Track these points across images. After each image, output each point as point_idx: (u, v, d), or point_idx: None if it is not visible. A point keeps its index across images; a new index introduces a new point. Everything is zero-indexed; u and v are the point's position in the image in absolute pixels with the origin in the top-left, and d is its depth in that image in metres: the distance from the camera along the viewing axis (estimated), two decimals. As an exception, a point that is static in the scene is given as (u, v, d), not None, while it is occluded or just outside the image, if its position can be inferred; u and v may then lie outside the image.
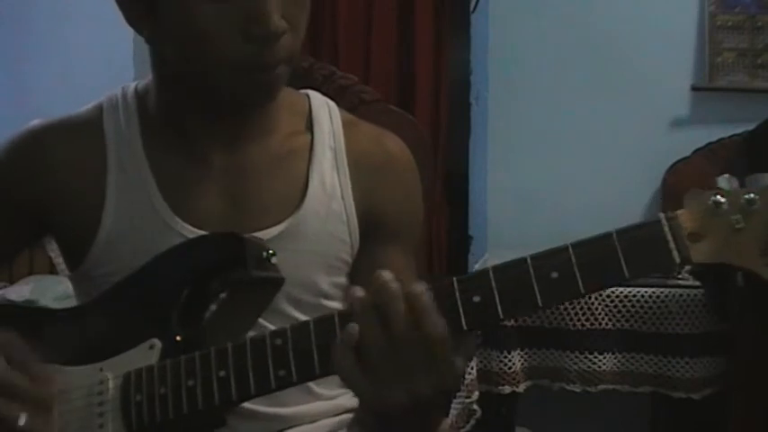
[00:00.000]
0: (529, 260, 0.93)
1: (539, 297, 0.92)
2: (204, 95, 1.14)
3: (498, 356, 2.27)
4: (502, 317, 0.93)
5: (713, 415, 2.36)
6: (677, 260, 0.90)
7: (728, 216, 0.89)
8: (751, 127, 2.51)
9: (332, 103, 1.27)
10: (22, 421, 1.00)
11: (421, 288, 0.90)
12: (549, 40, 3.20)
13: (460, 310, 0.92)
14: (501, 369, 2.25)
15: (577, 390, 2.32)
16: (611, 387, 2.28)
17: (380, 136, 1.26)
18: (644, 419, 2.91)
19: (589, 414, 2.89)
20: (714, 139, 3.06)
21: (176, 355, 1.03)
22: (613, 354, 2.28)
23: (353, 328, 0.91)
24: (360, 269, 1.23)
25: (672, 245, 0.89)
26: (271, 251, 1.08)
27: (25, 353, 1.03)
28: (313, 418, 1.20)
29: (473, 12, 3.21)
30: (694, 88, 3.13)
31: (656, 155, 3.11)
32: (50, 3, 3.49)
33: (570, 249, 0.91)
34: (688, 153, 3.09)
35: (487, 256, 2.97)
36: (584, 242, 0.92)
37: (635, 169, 3.15)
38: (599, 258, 0.91)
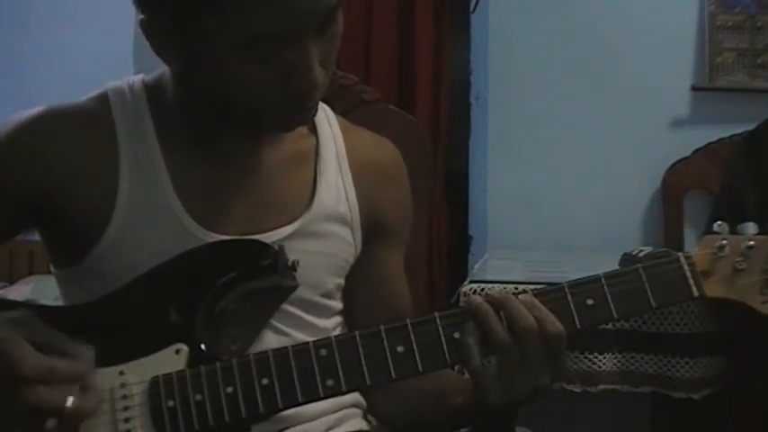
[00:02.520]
0: (566, 288, 1.06)
1: (576, 321, 1.06)
2: (230, 118, 1.15)
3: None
4: None
5: (713, 415, 2.36)
6: (695, 293, 1.07)
7: (732, 258, 1.07)
8: (751, 127, 2.51)
9: (327, 108, 1.29)
10: (69, 402, 0.95)
11: (532, 296, 1.05)
12: (549, 41, 3.20)
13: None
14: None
15: (577, 390, 2.31)
16: (611, 387, 2.27)
17: (378, 141, 1.30)
18: (644, 419, 2.91)
19: (589, 414, 2.89)
20: (714, 139, 3.06)
21: (202, 360, 1.03)
22: (613, 354, 2.27)
23: (471, 325, 1.04)
24: (361, 271, 1.27)
25: (691, 281, 1.07)
26: (296, 260, 1.10)
27: (49, 335, 1.00)
28: (314, 416, 1.20)
29: (473, 12, 3.22)
30: (694, 88, 3.13)
31: (656, 155, 3.11)
32: (50, 3, 3.49)
33: (602, 280, 1.06)
34: (688, 153, 3.09)
35: (487, 256, 2.97)
36: (615, 274, 1.06)
37: (635, 169, 3.15)
38: (628, 289, 1.06)
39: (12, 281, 3.20)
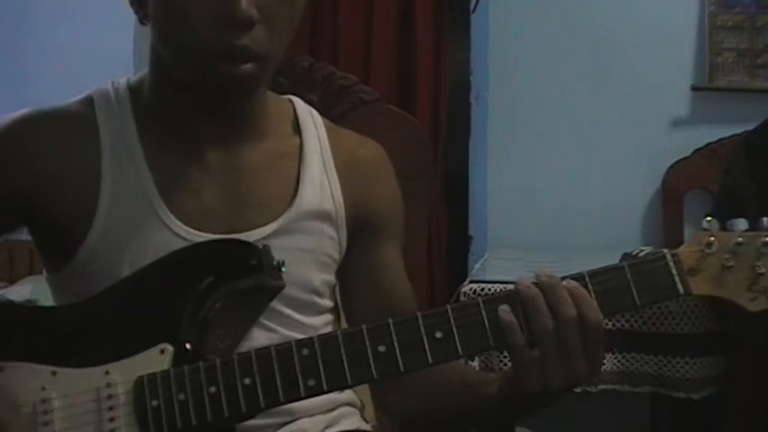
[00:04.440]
0: None
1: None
2: (185, 85, 1.15)
3: (499, 356, 2.26)
4: None
5: (713, 415, 2.36)
6: (681, 291, 1.05)
7: (720, 255, 1.05)
8: (751, 127, 2.50)
9: (314, 111, 1.30)
10: None
11: (575, 282, 1.04)
12: (549, 41, 3.20)
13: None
14: (501, 369, 2.24)
15: (577, 390, 2.32)
16: (611, 387, 2.27)
17: (363, 141, 1.32)
18: (644, 419, 2.91)
19: (589, 414, 2.89)
20: (714, 139, 3.06)
21: (187, 359, 1.03)
22: (613, 354, 2.27)
23: (506, 309, 1.03)
24: (355, 267, 1.28)
25: (676, 278, 1.04)
26: (281, 260, 1.10)
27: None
28: (310, 413, 1.21)
29: (473, 12, 3.22)
30: (694, 88, 3.13)
31: (656, 155, 3.11)
32: (50, 3, 3.49)
33: (587, 278, 1.04)
34: (688, 153, 3.09)
35: (487, 256, 2.97)
36: (599, 272, 1.05)
37: (635, 169, 3.15)
38: (612, 288, 1.04)
39: (12, 281, 3.19)
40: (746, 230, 1.06)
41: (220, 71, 1.10)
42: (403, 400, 1.26)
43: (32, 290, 2.90)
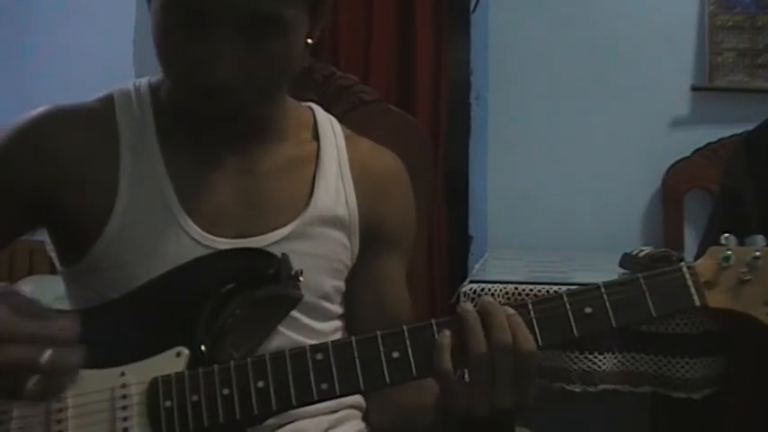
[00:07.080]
0: (565, 297, 1.05)
1: (574, 329, 1.05)
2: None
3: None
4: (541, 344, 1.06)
5: (713, 415, 2.36)
6: (697, 303, 1.05)
7: (737, 269, 1.05)
8: (751, 127, 2.51)
9: (333, 118, 1.31)
10: (45, 357, 0.86)
11: (512, 309, 1.03)
12: (549, 41, 3.20)
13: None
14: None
15: (577, 390, 2.31)
16: (611, 387, 2.27)
17: (380, 151, 1.32)
18: (644, 419, 2.91)
19: (589, 414, 2.89)
20: (714, 139, 3.06)
21: (202, 364, 1.04)
22: (613, 354, 2.27)
23: (446, 333, 1.02)
24: (359, 276, 1.28)
25: (693, 290, 1.05)
26: (300, 270, 1.10)
27: (29, 302, 0.93)
28: (313, 413, 1.20)
29: (473, 12, 3.22)
30: (694, 88, 3.13)
31: (656, 155, 3.11)
32: (50, 3, 3.49)
33: (602, 288, 1.04)
34: (688, 153, 3.09)
35: (487, 256, 2.97)
36: (614, 283, 1.05)
37: (635, 169, 3.15)
38: (628, 298, 1.04)
39: (12, 281, 3.19)
40: (765, 245, 1.06)
41: (201, 107, 1.11)
42: (379, 413, 1.27)
43: (32, 290, 2.90)
